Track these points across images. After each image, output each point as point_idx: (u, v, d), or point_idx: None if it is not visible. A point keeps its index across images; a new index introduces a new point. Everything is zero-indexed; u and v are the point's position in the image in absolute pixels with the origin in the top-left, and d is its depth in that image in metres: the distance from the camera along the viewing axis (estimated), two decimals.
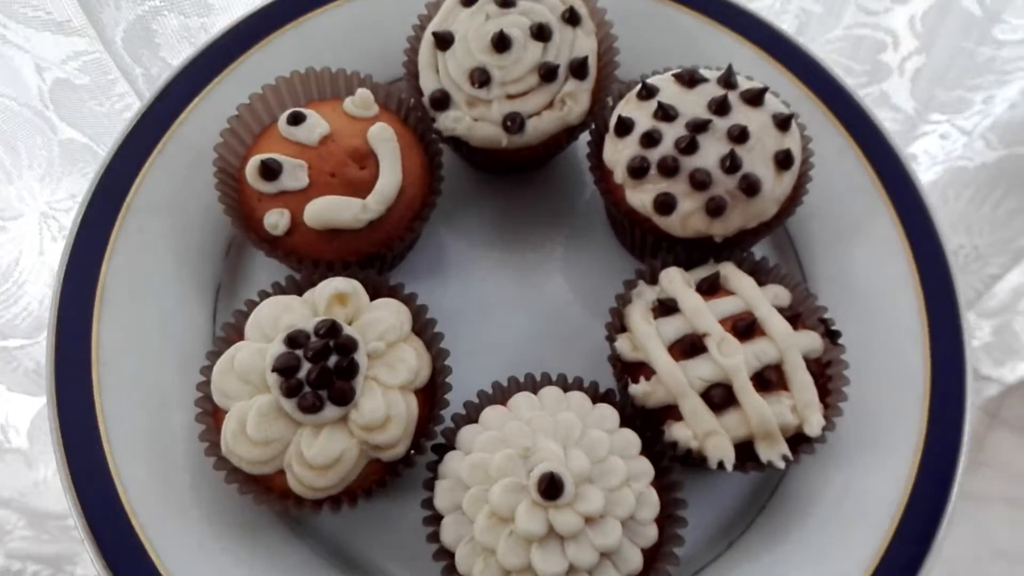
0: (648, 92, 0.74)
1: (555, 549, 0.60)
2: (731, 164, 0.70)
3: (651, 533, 0.63)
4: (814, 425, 0.66)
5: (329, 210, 0.71)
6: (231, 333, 0.70)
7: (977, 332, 1.78)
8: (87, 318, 0.74)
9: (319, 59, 0.82)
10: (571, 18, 0.77)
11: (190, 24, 1.01)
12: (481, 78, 0.75)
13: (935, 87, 1.21)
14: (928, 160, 1.35)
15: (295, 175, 0.72)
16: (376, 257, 0.74)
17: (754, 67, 0.85)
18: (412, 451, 0.66)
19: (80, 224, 0.76)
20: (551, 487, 0.59)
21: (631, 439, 0.65)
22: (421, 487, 0.65)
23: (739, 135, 0.71)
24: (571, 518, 0.60)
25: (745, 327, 0.68)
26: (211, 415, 0.67)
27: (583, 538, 0.60)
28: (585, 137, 0.81)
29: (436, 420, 0.68)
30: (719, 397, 0.66)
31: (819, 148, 0.78)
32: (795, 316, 0.70)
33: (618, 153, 0.74)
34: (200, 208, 0.81)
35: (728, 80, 0.74)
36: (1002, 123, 1.22)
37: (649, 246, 0.77)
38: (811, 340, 0.69)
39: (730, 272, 0.72)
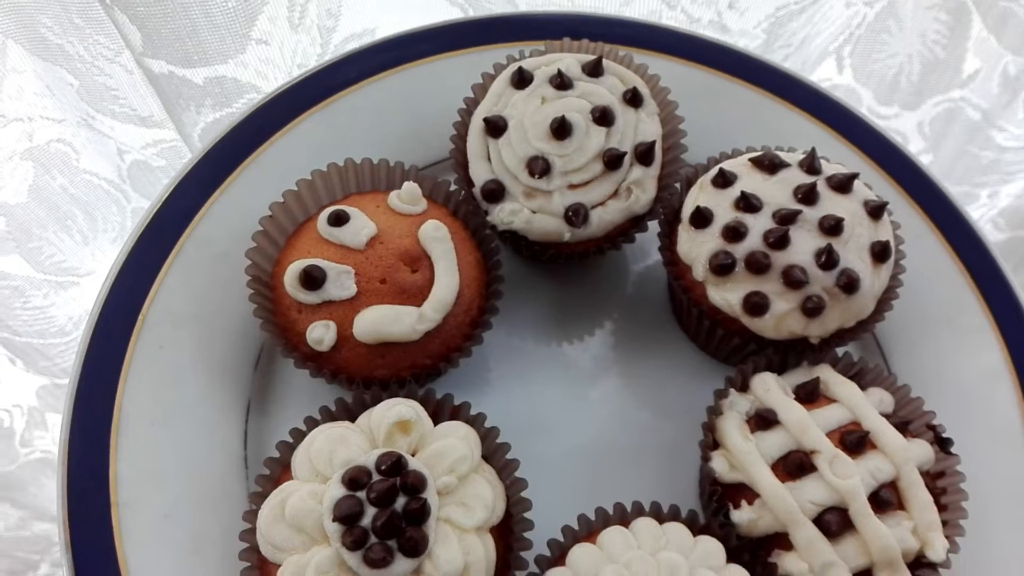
0: (725, 180, 0.68)
1: None
2: (827, 260, 0.64)
3: None
4: (938, 549, 0.59)
5: (382, 322, 0.63)
6: (276, 469, 0.61)
7: None
8: (103, 453, 0.64)
9: (347, 144, 0.75)
10: (633, 99, 0.71)
11: None
12: (541, 168, 0.68)
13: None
14: None
15: (341, 283, 0.64)
16: (432, 371, 0.66)
17: (821, 143, 0.79)
18: None
19: (90, 342, 0.67)
20: None
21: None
22: None
23: (833, 227, 0.65)
24: None
25: (855, 441, 0.61)
26: (258, 569, 0.58)
27: None
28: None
29: (516, 564, 0.59)
30: (835, 523, 0.59)
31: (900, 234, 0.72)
32: (903, 424, 0.64)
33: (697, 247, 0.67)
34: (224, 316, 0.72)
35: (812, 165, 0.68)
36: (1009, 209, 1.25)
37: (733, 347, 0.70)
38: (924, 451, 0.63)
39: (830, 377, 0.65)
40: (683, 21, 1.01)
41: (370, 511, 0.55)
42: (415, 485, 0.56)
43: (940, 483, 0.64)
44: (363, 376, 0.65)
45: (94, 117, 1.03)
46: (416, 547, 0.54)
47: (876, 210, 0.67)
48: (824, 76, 1.11)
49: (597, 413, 0.74)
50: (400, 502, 0.55)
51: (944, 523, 0.62)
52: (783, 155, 0.70)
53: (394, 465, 0.56)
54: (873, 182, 0.78)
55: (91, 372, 0.67)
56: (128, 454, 0.65)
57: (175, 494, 0.65)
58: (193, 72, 0.95)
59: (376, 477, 0.56)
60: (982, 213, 1.27)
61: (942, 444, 0.64)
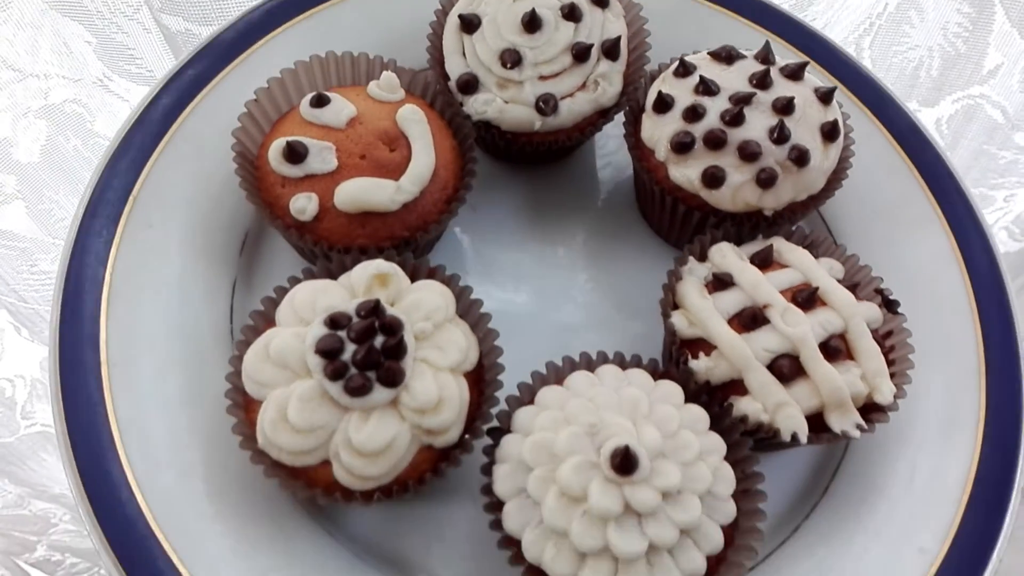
0: (686, 69, 0.73)
1: (633, 527, 0.55)
2: (779, 135, 0.68)
3: (730, 509, 0.59)
4: (885, 392, 0.64)
5: (362, 192, 0.67)
6: (260, 322, 0.65)
7: None
8: (94, 316, 0.68)
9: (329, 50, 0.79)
10: (600, 1, 0.76)
11: None
12: (512, 59, 0.73)
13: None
14: None
15: (323, 157, 0.68)
16: (409, 242, 0.70)
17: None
18: (467, 435, 0.61)
19: (83, 215, 0.71)
20: (625, 462, 0.55)
21: (699, 414, 0.61)
22: (465, 483, 0.60)
23: (785, 106, 0.69)
24: (648, 493, 0.55)
25: (807, 297, 0.65)
26: (242, 408, 0.62)
27: (661, 515, 0.56)
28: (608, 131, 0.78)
29: (489, 402, 0.63)
30: (787, 368, 0.63)
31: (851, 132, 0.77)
32: (853, 287, 0.68)
33: (659, 130, 0.72)
34: (211, 202, 0.76)
35: (766, 57, 0.73)
36: None
37: (693, 226, 0.74)
38: (872, 310, 0.67)
39: (782, 246, 0.70)
40: None
41: (350, 347, 0.59)
42: (392, 326, 0.60)
43: (888, 342, 0.68)
44: (344, 245, 0.68)
45: (110, 78, 1.04)
46: (394, 378, 0.58)
47: (826, 95, 0.72)
48: None
49: (564, 291, 0.79)
50: (378, 340, 0.59)
51: (892, 374, 0.66)
52: (740, 50, 0.75)
53: (373, 309, 0.60)
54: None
55: (83, 242, 0.70)
56: (118, 319, 0.68)
57: (163, 357, 0.68)
58: (210, 30, 0.92)
59: (356, 320, 0.60)
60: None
61: (889, 306, 0.69)
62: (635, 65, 0.78)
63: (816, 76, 0.75)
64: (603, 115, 0.77)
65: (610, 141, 0.86)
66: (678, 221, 0.75)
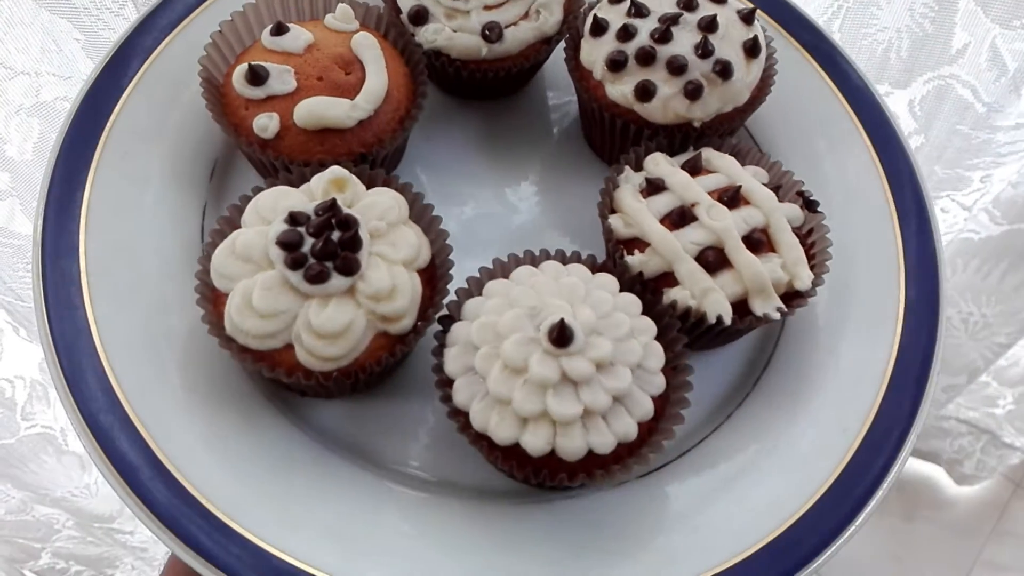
0: None
1: (569, 394, 0.61)
2: (704, 50, 0.74)
3: (659, 381, 0.64)
4: (804, 279, 0.69)
5: (319, 109, 0.72)
6: (227, 227, 0.70)
7: (1000, 401, 1.81)
8: (73, 235, 0.72)
9: None
10: None
11: None
12: None
13: (934, 164, 1.28)
14: None
15: (282, 79, 0.73)
16: (365, 157, 0.75)
17: None
18: (419, 323, 0.66)
19: (62, 143, 0.75)
20: (562, 335, 0.60)
21: (633, 300, 0.67)
22: (424, 380, 0.66)
23: (709, 24, 0.75)
24: (582, 363, 0.61)
25: (731, 196, 0.71)
26: (211, 301, 0.67)
27: (595, 382, 0.61)
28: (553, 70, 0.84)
29: (441, 294, 0.68)
30: (713, 258, 0.69)
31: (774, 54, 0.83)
32: (776, 188, 0.74)
33: (596, 52, 0.78)
34: (182, 134, 0.81)
35: None
36: (1005, 200, 1.29)
37: (630, 140, 0.80)
38: (793, 210, 0.73)
39: (711, 155, 0.75)
40: None
41: (309, 241, 0.64)
42: (348, 222, 0.65)
43: (809, 239, 0.74)
44: (304, 159, 0.74)
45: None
46: (350, 266, 0.63)
47: (748, 16, 0.78)
48: None
49: (513, 211, 0.85)
50: (335, 235, 0.64)
51: (812, 266, 0.72)
52: None
53: (329, 207, 0.65)
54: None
55: (63, 167, 0.75)
56: (96, 237, 0.73)
57: (139, 269, 0.73)
58: None
59: (315, 218, 0.65)
60: (975, 199, 1.31)
61: (809, 205, 0.75)
62: None
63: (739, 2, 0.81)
64: (546, 43, 0.82)
65: (560, 77, 0.91)
66: (617, 137, 0.81)
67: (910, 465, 1.88)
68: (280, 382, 0.67)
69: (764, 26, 0.82)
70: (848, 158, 0.84)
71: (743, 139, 0.85)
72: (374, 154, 0.75)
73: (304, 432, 0.71)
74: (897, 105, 1.20)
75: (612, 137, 0.81)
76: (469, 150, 0.88)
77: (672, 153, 0.77)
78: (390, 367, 0.69)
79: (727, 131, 0.79)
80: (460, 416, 0.63)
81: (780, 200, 0.73)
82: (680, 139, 0.77)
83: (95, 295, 0.70)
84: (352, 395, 0.73)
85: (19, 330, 1.25)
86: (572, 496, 0.70)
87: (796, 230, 0.73)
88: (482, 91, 0.88)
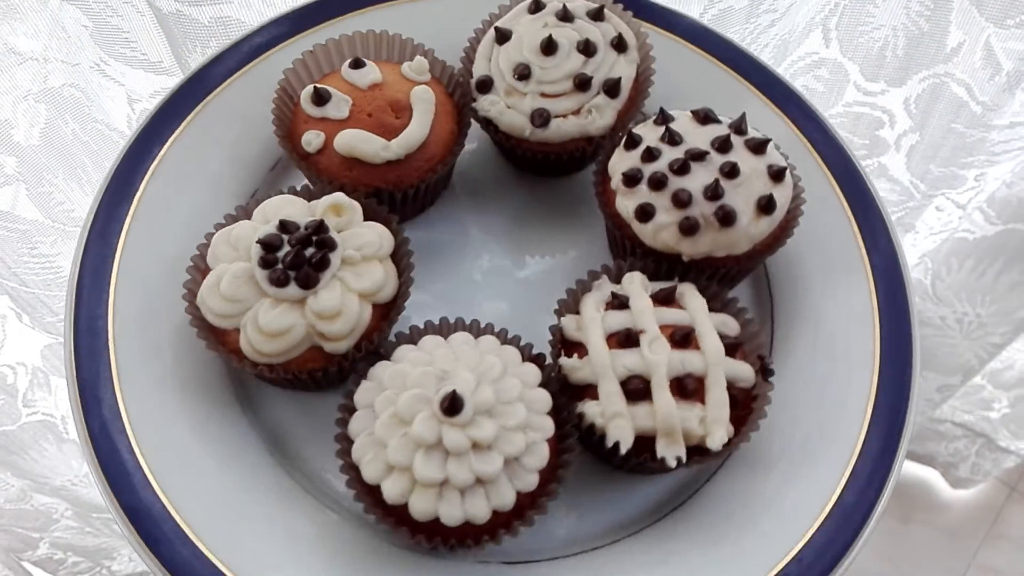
0: (664, 119, 0.82)
1: (437, 459, 0.65)
2: (713, 193, 0.76)
3: (531, 480, 0.67)
4: (716, 440, 0.70)
5: (355, 140, 0.81)
6: (241, 214, 0.80)
7: (995, 404, 1.79)
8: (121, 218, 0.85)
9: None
10: (618, 45, 0.86)
11: None
12: (523, 72, 0.84)
13: (929, 163, 1.27)
14: (926, 229, 1.42)
15: (339, 106, 0.83)
16: (386, 195, 0.83)
17: (765, 120, 0.93)
18: (357, 349, 0.73)
19: (123, 157, 0.87)
20: (452, 405, 0.65)
21: (543, 397, 0.70)
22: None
23: (729, 171, 0.77)
24: (460, 437, 0.65)
25: (681, 336, 0.72)
26: (200, 271, 0.77)
27: (465, 459, 0.65)
28: None
29: (385, 331, 0.75)
30: (636, 388, 0.70)
31: (810, 199, 0.83)
32: (735, 345, 0.74)
33: (621, 163, 0.81)
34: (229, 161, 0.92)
35: (739, 127, 0.81)
36: (999, 199, 1.27)
37: (628, 253, 0.82)
38: (742, 369, 0.73)
39: (687, 290, 0.77)
40: None
41: (286, 248, 0.73)
42: (327, 244, 0.73)
43: (754, 405, 0.74)
44: (332, 181, 0.83)
45: (107, 63, 1.07)
46: (308, 281, 0.71)
47: (778, 173, 0.78)
48: (811, 50, 1.16)
49: (510, 285, 0.90)
50: (310, 251, 0.73)
51: (739, 432, 0.72)
52: (722, 117, 0.82)
53: (318, 227, 0.74)
54: (801, 155, 0.90)
55: (122, 172, 0.88)
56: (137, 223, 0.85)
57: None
58: (199, 11, 1.01)
59: (301, 231, 0.74)
60: (969, 198, 1.28)
61: (765, 373, 0.74)
62: (634, 110, 0.88)
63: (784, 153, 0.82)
64: (589, 142, 0.87)
65: None
66: (618, 246, 0.84)
67: (905, 468, 1.85)
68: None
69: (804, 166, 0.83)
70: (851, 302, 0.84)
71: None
72: (394, 193, 0.83)
73: (251, 424, 0.80)
74: (892, 103, 1.21)
75: (614, 245, 0.84)
76: (502, 211, 0.94)
77: (657, 278, 0.79)
78: (344, 374, 0.77)
79: (724, 276, 0.80)
80: (345, 441, 0.70)
81: (738, 356, 0.74)
82: (667, 268, 0.79)
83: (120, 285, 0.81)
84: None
85: (22, 316, 1.26)
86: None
87: (742, 390, 0.73)
88: (534, 167, 0.94)
